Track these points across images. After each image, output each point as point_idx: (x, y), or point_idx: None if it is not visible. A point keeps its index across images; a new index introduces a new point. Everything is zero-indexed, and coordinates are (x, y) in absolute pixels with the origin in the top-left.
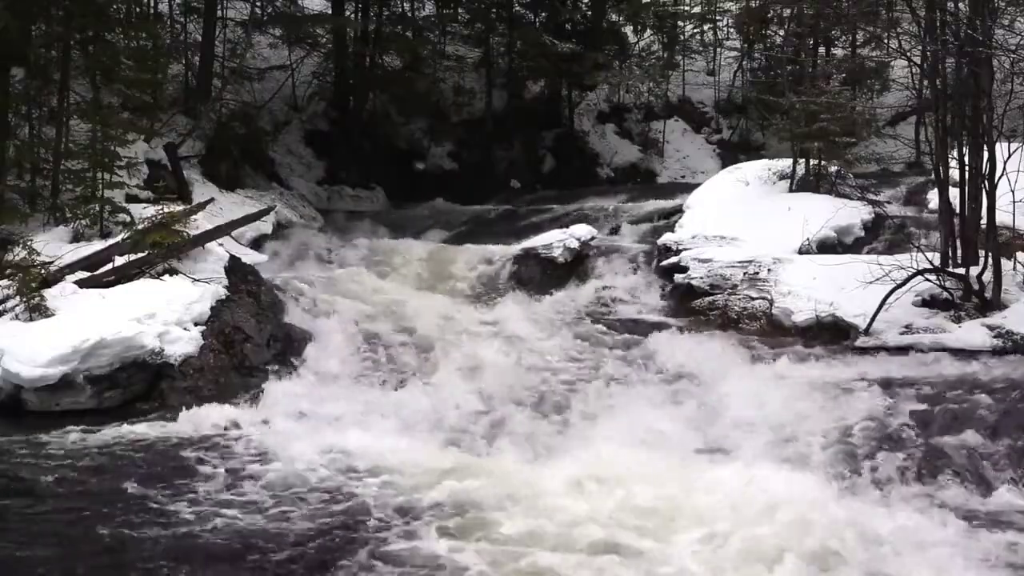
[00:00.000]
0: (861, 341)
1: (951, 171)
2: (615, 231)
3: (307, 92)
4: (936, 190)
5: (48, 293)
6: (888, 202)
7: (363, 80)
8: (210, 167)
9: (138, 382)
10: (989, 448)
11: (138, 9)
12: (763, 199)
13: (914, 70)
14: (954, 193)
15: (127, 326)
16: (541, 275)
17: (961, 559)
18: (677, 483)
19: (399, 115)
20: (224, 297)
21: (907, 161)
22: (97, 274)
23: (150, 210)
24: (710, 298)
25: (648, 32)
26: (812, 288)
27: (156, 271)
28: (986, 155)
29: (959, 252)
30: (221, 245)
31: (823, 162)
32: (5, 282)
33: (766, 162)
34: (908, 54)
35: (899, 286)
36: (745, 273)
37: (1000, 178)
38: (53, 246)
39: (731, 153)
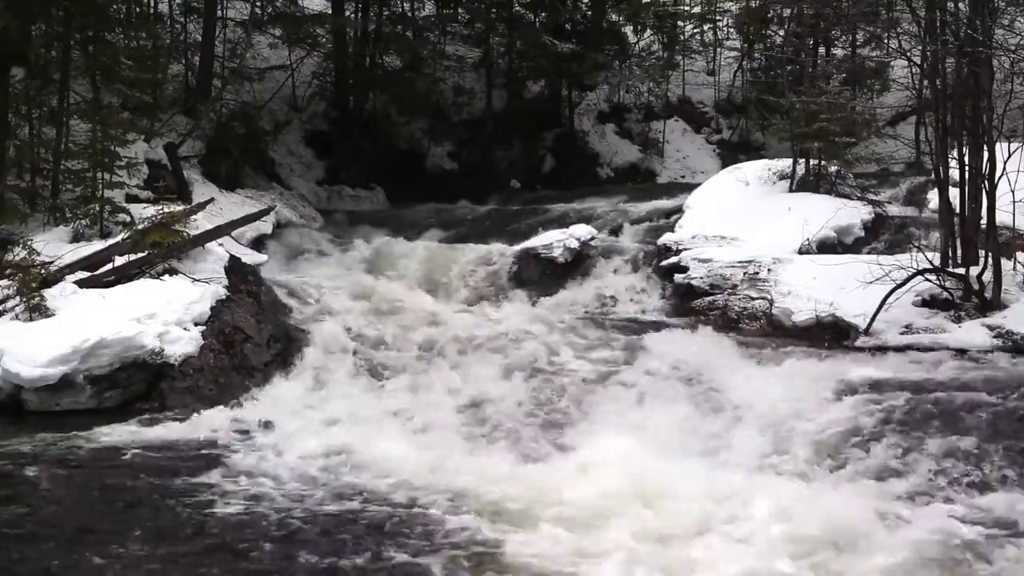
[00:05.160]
0: (861, 341)
1: (951, 171)
2: (615, 231)
3: (307, 92)
4: (936, 190)
5: (48, 293)
6: (888, 202)
7: (363, 80)
8: (210, 167)
9: (138, 382)
10: (989, 448)
11: (138, 9)
12: (763, 199)
13: (914, 70)
14: (954, 193)
15: (127, 326)
16: (541, 275)
17: (960, 560)
18: (676, 484)
19: (399, 115)
20: (224, 297)
21: (907, 161)
22: (97, 274)
23: (150, 210)
24: (710, 298)
25: (648, 32)
26: (812, 288)
27: (156, 271)
28: (986, 155)
29: (959, 252)
30: (221, 245)
31: (823, 162)
32: (5, 282)
33: (766, 162)
34: (908, 54)
35: (899, 286)
36: (745, 273)
37: (1000, 178)
38: (53, 246)
39: (731, 153)
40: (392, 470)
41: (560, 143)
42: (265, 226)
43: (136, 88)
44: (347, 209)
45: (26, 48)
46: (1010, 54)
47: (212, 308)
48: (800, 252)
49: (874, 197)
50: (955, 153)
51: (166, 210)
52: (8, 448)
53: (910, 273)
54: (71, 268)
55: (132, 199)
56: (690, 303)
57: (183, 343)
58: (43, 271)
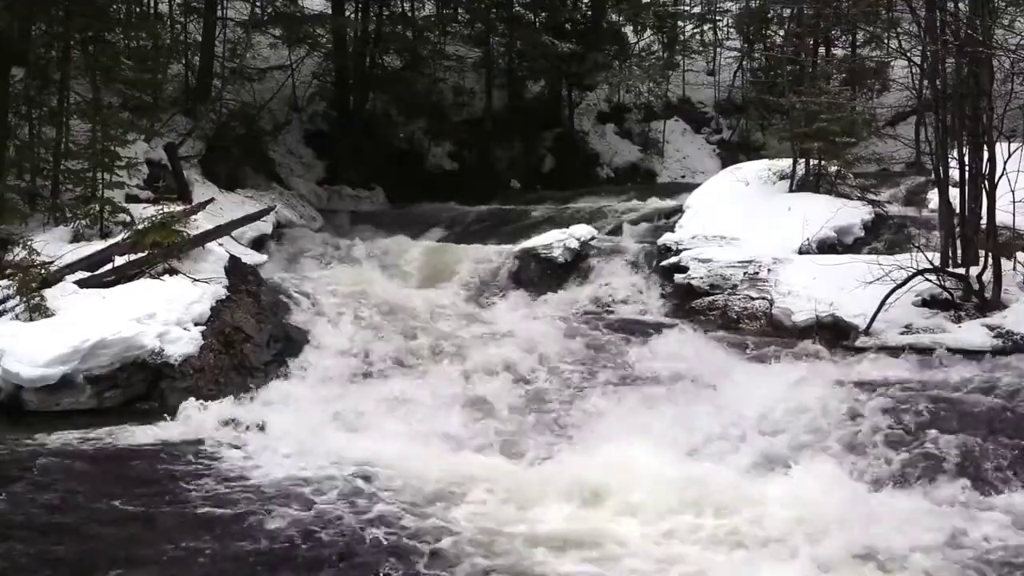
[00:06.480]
0: (861, 341)
1: (951, 171)
2: (615, 231)
3: (307, 92)
4: (936, 190)
5: (48, 293)
6: (888, 202)
7: (363, 80)
8: (210, 167)
9: (138, 382)
10: (989, 448)
11: (138, 9)
12: (763, 199)
13: (914, 70)
14: (954, 193)
15: (127, 326)
16: (541, 275)
17: (961, 559)
18: (675, 485)
19: (399, 115)
20: (224, 297)
21: (907, 161)
22: (97, 274)
23: (150, 210)
24: (710, 298)
25: (648, 32)
26: (812, 288)
27: (156, 271)
28: (986, 155)
29: (959, 252)
30: (221, 245)
31: (823, 162)
32: (5, 282)
33: (766, 162)
34: (908, 54)
35: (899, 286)
36: (745, 273)
37: (1000, 178)
38: (53, 246)
39: (731, 153)
40: (389, 469)
41: (560, 143)
42: (265, 226)
43: (136, 88)
44: (347, 209)
45: (26, 48)
46: (1010, 54)
47: (212, 308)
48: (800, 252)
49: (874, 197)
50: (955, 153)
51: (166, 210)
52: (8, 448)
53: (910, 273)
54: (71, 268)
55: (132, 199)
56: (690, 303)
57: (183, 343)
58: (43, 271)
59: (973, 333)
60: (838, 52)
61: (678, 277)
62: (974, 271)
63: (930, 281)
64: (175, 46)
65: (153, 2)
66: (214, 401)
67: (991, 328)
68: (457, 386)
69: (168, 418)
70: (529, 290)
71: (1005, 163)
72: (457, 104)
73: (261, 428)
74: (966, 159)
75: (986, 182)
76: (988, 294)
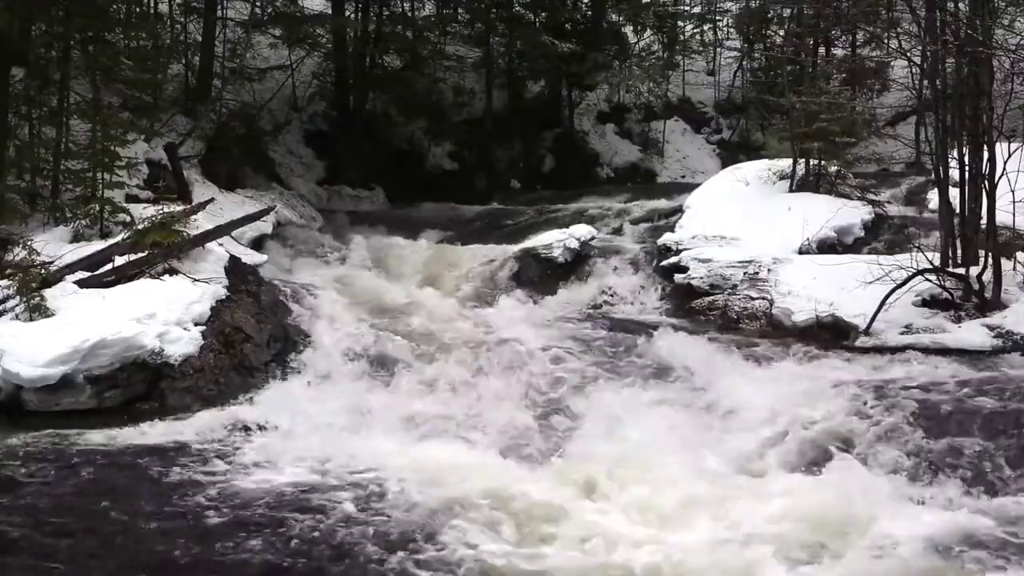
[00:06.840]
0: (861, 341)
1: (951, 171)
2: (615, 231)
3: (307, 92)
4: (936, 190)
5: (48, 293)
6: (888, 202)
7: (363, 80)
8: (210, 167)
9: (138, 382)
10: (989, 448)
11: (138, 9)
12: (763, 199)
13: (914, 70)
14: (954, 193)
15: (127, 326)
16: (541, 275)
17: (960, 559)
18: (674, 484)
19: (399, 115)
20: (224, 297)
21: (907, 161)
22: (97, 274)
23: (150, 210)
24: (710, 298)
25: (648, 32)
26: (812, 288)
27: (156, 271)
28: (986, 155)
29: (959, 252)
30: (221, 245)
31: (823, 162)
32: (5, 282)
33: (766, 162)
34: (908, 54)
35: (899, 286)
36: (745, 273)
37: (1000, 178)
38: (53, 246)
39: (731, 153)
40: (391, 472)
41: (560, 143)
42: (265, 226)
43: (136, 88)
44: (347, 209)
45: (26, 48)
46: (1010, 54)
47: (212, 308)
48: (800, 252)
49: (874, 197)
50: (955, 153)
51: (166, 210)
52: (8, 448)
53: (910, 273)
54: (71, 268)
55: (132, 199)
56: (690, 303)
57: (183, 343)
58: (43, 271)
59: (973, 333)
60: (838, 52)
61: (678, 277)
62: (974, 271)
63: (930, 281)
64: (175, 46)
65: (153, 2)
66: (214, 401)
67: (991, 328)
68: (459, 389)
69: (168, 418)
70: (529, 290)
71: (1005, 163)
72: (457, 104)
73: (261, 429)
74: (966, 159)
75: (986, 182)
76: (988, 294)
